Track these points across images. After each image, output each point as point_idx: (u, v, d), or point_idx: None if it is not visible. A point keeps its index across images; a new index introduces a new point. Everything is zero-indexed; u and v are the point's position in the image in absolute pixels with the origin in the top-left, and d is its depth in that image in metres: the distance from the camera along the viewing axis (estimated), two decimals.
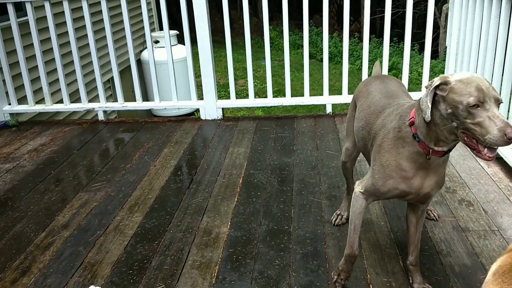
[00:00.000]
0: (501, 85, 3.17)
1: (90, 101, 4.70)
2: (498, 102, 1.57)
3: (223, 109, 4.45)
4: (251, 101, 4.48)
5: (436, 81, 1.63)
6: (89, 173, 3.41)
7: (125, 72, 5.90)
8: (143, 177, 3.28)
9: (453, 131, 1.63)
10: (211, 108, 4.40)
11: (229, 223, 2.66)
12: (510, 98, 3.03)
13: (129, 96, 5.40)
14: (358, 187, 1.99)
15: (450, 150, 1.75)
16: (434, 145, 1.72)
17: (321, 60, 4.65)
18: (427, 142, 1.71)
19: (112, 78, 4.90)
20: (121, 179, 3.27)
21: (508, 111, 3.09)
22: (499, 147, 1.59)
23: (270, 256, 2.36)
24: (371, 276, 2.18)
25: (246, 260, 2.33)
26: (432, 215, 2.59)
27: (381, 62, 4.26)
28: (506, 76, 3.06)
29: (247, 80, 4.43)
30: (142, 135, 4.12)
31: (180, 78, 4.70)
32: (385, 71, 4.21)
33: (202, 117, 4.46)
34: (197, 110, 4.89)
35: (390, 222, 2.60)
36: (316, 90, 4.85)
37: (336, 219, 2.58)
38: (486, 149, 1.57)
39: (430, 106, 1.62)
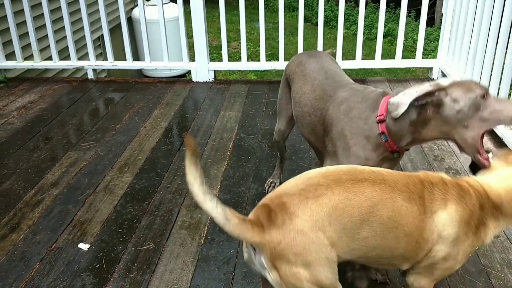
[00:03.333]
0: (494, 52, 3.16)
1: (79, 59, 4.61)
2: None
3: (215, 71, 4.40)
4: (244, 64, 4.42)
5: (429, 87, 1.56)
6: (78, 132, 3.39)
7: (115, 30, 5.76)
8: (133, 138, 3.27)
9: (450, 132, 1.58)
10: (203, 70, 4.34)
11: (219, 186, 2.68)
12: (504, 63, 3.01)
13: (119, 55, 5.29)
14: None
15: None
16: (405, 145, 1.68)
17: (316, 24, 4.58)
18: (397, 141, 1.67)
19: (102, 36, 4.79)
20: (111, 139, 3.26)
21: (501, 76, 3.09)
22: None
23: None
24: None
25: None
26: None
27: (377, 27, 4.20)
28: (500, 44, 3.05)
29: (240, 43, 4.36)
30: (132, 96, 4.08)
31: (171, 38, 4.60)
32: (380, 37, 4.17)
33: (194, 79, 4.41)
34: (189, 72, 4.83)
35: None
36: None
37: (269, 187, 2.59)
38: (488, 153, 1.58)
39: (408, 104, 1.55)
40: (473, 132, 1.56)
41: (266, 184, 2.64)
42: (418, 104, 1.58)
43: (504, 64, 3.01)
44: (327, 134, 1.87)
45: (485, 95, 1.55)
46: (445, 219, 1.40)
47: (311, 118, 1.98)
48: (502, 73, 3.05)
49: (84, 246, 2.20)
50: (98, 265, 2.08)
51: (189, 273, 2.03)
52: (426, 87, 1.57)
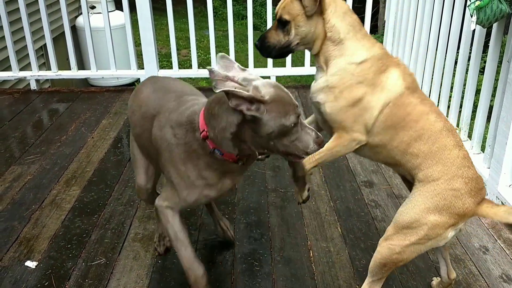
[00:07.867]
0: (435, 58, 3.32)
1: (21, 69, 4.42)
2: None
3: None
4: (195, 72, 4.40)
5: (248, 93, 1.40)
6: (22, 145, 3.23)
7: (59, 39, 5.56)
8: (80, 149, 3.16)
9: (265, 147, 1.52)
10: None
11: None
12: (443, 68, 3.17)
13: (64, 64, 5.12)
14: (164, 203, 1.70)
15: None
16: (240, 152, 1.55)
17: None
18: (233, 151, 1.54)
19: (45, 45, 4.62)
20: (57, 151, 3.14)
21: (441, 81, 3.24)
22: None
23: (214, 226, 2.37)
24: (311, 242, 2.25)
25: (190, 231, 2.33)
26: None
27: None
28: (440, 49, 3.20)
29: (190, 50, 4.33)
30: (78, 106, 3.95)
31: (119, 47, 4.50)
32: None
33: None
34: (138, 81, 4.73)
35: (330, 190, 2.69)
36: (261, 62, 4.82)
37: (161, 248, 2.12)
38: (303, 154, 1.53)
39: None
40: (278, 152, 1.52)
41: (156, 246, 2.14)
42: (238, 110, 1.42)
43: (444, 69, 3.16)
44: (160, 158, 1.69)
45: (296, 123, 1.47)
46: None
47: (143, 141, 1.83)
48: (442, 79, 3.20)
49: (31, 264, 2.10)
50: (47, 283, 1.99)
51: (144, 286, 1.98)
52: (246, 91, 1.42)
